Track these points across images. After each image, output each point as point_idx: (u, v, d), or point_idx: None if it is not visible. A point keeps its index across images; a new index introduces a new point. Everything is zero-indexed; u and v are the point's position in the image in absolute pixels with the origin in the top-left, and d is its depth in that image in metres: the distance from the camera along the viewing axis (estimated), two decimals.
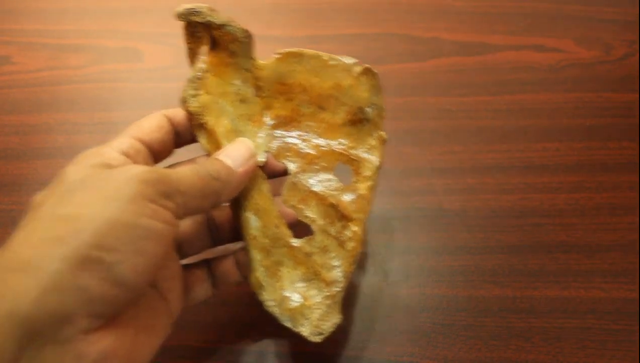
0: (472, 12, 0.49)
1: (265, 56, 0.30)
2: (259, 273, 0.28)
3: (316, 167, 0.30)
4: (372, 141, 0.30)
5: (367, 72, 0.29)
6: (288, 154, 0.30)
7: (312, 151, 0.30)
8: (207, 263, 0.29)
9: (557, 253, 0.35)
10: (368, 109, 0.29)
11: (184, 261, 0.28)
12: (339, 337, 0.32)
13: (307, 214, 0.29)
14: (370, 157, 0.30)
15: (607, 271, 0.34)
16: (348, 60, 0.29)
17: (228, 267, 0.28)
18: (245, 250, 0.28)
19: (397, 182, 0.38)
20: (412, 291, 0.34)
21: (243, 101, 0.28)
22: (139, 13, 0.49)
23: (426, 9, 0.49)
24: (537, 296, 0.34)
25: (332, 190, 0.30)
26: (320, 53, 0.29)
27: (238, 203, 0.27)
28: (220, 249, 0.30)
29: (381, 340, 0.32)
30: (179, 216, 0.22)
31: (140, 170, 0.21)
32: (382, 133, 0.30)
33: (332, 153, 0.30)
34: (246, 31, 0.28)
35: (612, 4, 0.49)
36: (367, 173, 0.30)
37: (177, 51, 0.46)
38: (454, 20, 0.48)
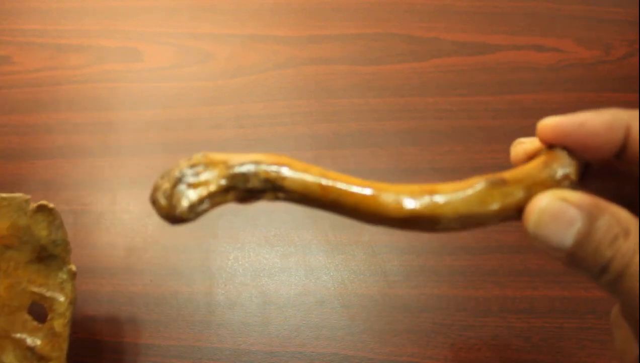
0: (472, 12, 0.49)
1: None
2: None
3: (8, 309, 0.29)
4: (63, 276, 0.29)
5: (41, 209, 0.28)
6: None
7: (1, 292, 0.29)
8: None
9: None
10: (51, 247, 0.29)
11: None
12: (339, 337, 0.32)
13: (4, 361, 0.29)
14: (60, 293, 0.29)
15: None
16: (21, 197, 0.28)
17: None
18: None
19: (397, 182, 0.38)
20: (412, 291, 0.34)
21: None
22: (139, 13, 0.49)
23: (426, 9, 0.49)
24: (537, 296, 0.34)
25: (27, 332, 0.29)
26: None
27: None
28: None
29: (381, 340, 0.32)
30: None
31: None
32: (72, 267, 0.29)
33: (23, 292, 0.29)
34: None
35: (612, 4, 0.49)
36: (60, 309, 0.29)
37: (177, 51, 0.46)
38: (454, 20, 0.48)
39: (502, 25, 0.48)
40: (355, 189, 0.17)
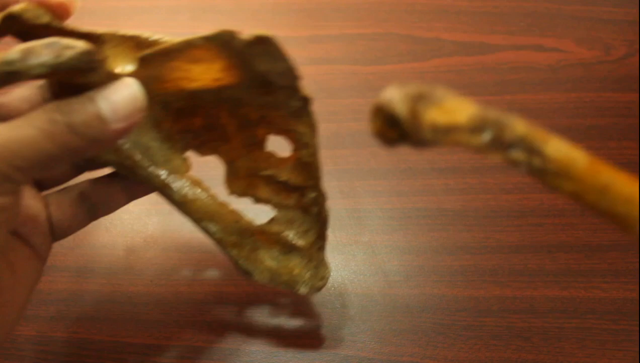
0: (472, 12, 0.49)
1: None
2: (241, 263, 0.29)
3: (246, 149, 0.28)
4: (296, 103, 0.26)
5: (259, 41, 0.22)
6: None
7: (234, 132, 0.28)
8: (79, 189, 0.26)
9: (557, 253, 0.35)
10: (275, 77, 0.24)
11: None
12: (339, 337, 0.32)
13: (260, 196, 0.29)
14: (299, 121, 0.26)
15: (607, 271, 0.34)
16: (207, 34, 0.22)
17: (112, 190, 0.26)
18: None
19: (397, 182, 0.38)
20: (412, 291, 0.34)
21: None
22: (139, 13, 0.49)
23: (426, 9, 0.49)
24: (537, 296, 0.34)
25: (274, 167, 0.28)
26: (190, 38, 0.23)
27: (188, 217, 0.27)
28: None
29: (381, 340, 0.32)
30: (20, 183, 0.19)
31: None
32: (304, 94, 0.25)
33: (259, 129, 0.28)
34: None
35: (612, 4, 0.49)
36: (304, 139, 0.26)
37: None
38: (454, 20, 0.48)
39: (502, 25, 0.48)
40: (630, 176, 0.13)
